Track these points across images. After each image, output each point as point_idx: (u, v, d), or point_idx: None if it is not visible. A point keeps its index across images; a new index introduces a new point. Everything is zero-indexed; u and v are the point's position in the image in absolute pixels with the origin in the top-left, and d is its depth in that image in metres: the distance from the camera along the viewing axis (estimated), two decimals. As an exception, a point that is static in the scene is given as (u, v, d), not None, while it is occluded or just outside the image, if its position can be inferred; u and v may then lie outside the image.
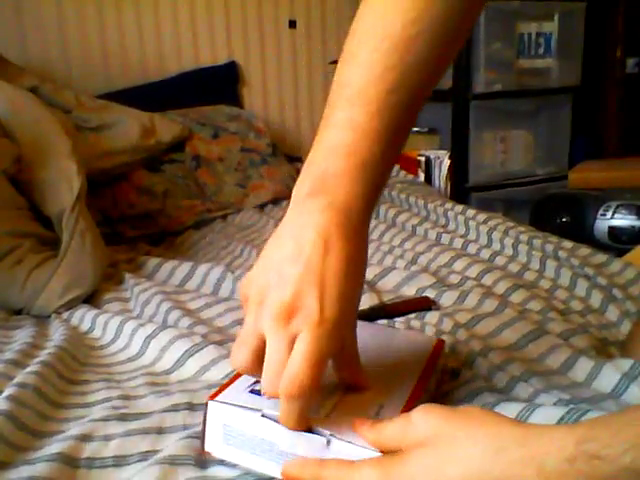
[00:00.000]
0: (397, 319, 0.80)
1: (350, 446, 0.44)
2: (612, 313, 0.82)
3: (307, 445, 0.44)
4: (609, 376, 0.59)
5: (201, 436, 0.49)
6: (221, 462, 0.49)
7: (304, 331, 0.41)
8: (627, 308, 0.82)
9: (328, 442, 0.44)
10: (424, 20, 0.51)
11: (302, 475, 0.43)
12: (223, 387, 0.49)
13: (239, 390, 0.49)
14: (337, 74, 0.57)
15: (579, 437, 0.35)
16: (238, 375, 0.51)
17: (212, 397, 0.48)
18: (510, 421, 0.40)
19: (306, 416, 0.43)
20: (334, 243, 0.44)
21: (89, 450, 0.52)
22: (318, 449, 0.44)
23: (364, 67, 0.54)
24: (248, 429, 0.46)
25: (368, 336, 0.58)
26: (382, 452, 0.43)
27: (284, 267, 0.44)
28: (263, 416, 0.45)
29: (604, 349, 0.71)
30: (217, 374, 0.66)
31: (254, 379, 0.49)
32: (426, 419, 0.41)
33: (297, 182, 0.51)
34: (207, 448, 0.48)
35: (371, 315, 0.81)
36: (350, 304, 0.44)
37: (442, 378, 0.61)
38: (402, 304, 0.85)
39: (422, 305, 0.84)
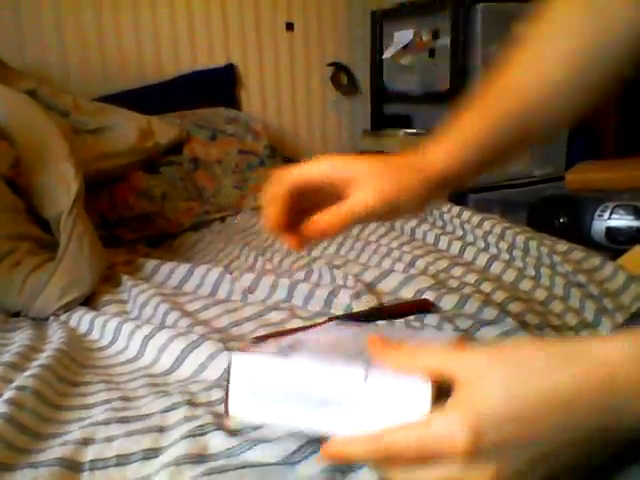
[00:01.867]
0: (396, 320, 0.81)
1: (391, 378, 0.40)
2: (604, 326, 0.83)
3: (342, 383, 0.41)
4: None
5: (224, 400, 0.46)
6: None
7: None
8: (617, 320, 0.83)
9: (365, 376, 0.41)
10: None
11: (355, 452, 0.40)
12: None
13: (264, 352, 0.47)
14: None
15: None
16: None
17: None
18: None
19: None
20: None
21: (92, 453, 0.52)
22: (354, 386, 0.41)
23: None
24: (276, 378, 0.43)
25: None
26: (433, 382, 0.40)
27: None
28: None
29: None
30: (215, 371, 0.66)
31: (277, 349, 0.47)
32: (476, 351, 0.41)
33: None
34: (232, 412, 0.45)
35: (370, 317, 0.81)
36: None
37: None
38: (401, 306, 0.86)
39: (421, 307, 0.84)
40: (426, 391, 0.40)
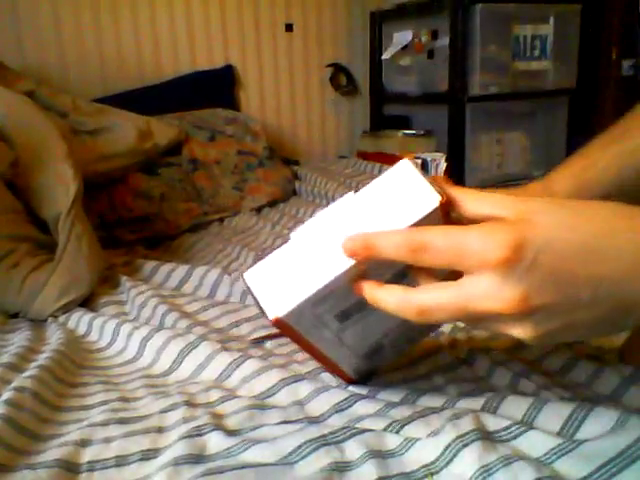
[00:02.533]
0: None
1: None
2: None
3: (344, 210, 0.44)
4: (609, 379, 0.59)
5: (263, 315, 0.46)
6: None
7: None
8: None
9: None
10: None
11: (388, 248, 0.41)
12: None
13: None
14: None
15: None
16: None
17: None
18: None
19: None
20: None
21: (90, 454, 0.52)
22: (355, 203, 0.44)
23: None
24: (289, 263, 0.45)
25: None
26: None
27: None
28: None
29: (601, 357, 0.71)
30: (214, 372, 0.66)
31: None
32: (532, 198, 0.42)
33: None
34: (273, 314, 0.45)
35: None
36: None
37: None
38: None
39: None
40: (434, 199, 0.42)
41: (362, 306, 0.47)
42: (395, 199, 0.43)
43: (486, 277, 0.38)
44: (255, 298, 0.46)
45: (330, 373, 0.62)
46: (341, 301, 0.47)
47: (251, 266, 0.47)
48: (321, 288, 0.44)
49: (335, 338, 0.51)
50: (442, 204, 0.43)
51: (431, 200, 0.43)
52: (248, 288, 0.46)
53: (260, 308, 0.46)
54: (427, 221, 0.42)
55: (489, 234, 0.38)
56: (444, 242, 0.39)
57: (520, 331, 0.40)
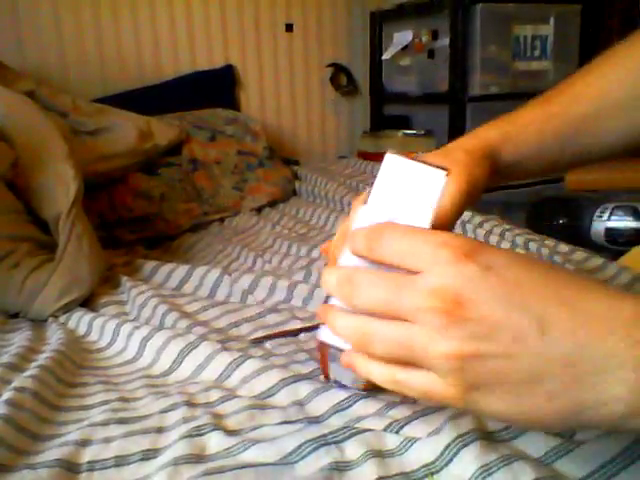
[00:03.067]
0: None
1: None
2: None
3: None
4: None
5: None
6: None
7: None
8: None
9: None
10: None
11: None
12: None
13: None
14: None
15: None
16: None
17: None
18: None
19: None
20: None
21: (90, 454, 0.52)
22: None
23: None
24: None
25: None
26: None
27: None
28: None
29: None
30: (213, 372, 0.66)
31: None
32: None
33: None
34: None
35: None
36: None
37: None
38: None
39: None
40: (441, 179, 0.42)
41: None
42: (404, 192, 0.43)
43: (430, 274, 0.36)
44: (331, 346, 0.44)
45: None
46: None
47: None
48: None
49: None
50: (447, 174, 0.43)
51: (437, 176, 0.42)
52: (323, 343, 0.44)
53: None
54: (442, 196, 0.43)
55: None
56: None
57: (443, 349, 0.35)
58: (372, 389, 0.56)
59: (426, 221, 0.42)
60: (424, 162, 0.43)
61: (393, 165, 0.43)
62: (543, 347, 0.33)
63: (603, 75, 0.61)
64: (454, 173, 0.53)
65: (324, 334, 0.43)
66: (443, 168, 0.43)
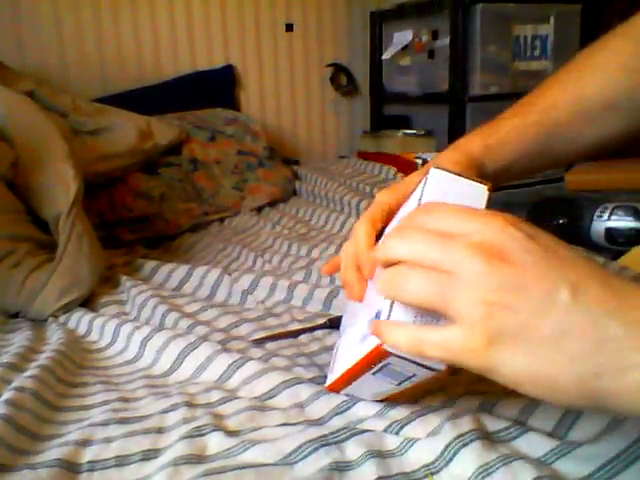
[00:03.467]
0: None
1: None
2: None
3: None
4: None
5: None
6: None
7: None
8: None
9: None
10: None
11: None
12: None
13: None
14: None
15: None
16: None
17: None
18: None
19: None
20: None
21: (90, 454, 0.52)
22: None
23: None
24: None
25: None
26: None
27: None
28: None
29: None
30: (214, 373, 0.66)
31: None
32: None
33: None
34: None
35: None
36: None
37: None
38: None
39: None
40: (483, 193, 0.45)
41: None
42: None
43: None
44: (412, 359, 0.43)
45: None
46: None
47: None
48: None
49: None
50: (490, 189, 0.45)
51: (480, 191, 0.45)
52: (392, 356, 0.44)
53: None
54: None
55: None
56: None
57: (470, 296, 0.37)
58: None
59: None
60: (467, 177, 0.45)
61: (438, 179, 0.46)
62: (573, 307, 0.35)
63: (579, 78, 0.62)
64: None
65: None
66: (484, 183, 0.45)
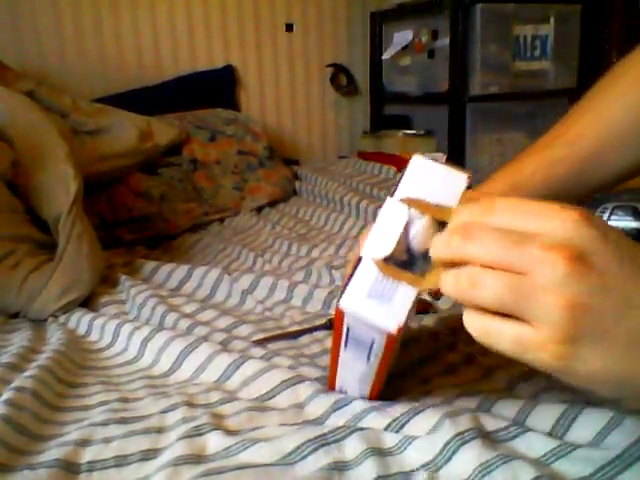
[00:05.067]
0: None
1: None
2: None
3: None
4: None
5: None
6: None
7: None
8: None
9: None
10: None
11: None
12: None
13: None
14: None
15: None
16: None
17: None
18: None
19: None
20: None
21: (90, 454, 0.52)
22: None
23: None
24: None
25: None
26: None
27: None
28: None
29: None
30: (214, 373, 0.66)
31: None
32: None
33: None
34: (394, 327, 0.44)
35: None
36: None
37: None
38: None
39: (419, 308, 0.84)
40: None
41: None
42: (429, 192, 0.45)
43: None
44: (363, 319, 0.44)
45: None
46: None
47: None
48: (413, 299, 0.44)
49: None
50: (469, 178, 0.46)
51: (461, 178, 0.46)
52: (347, 314, 0.45)
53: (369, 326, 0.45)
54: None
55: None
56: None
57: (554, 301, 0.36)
58: (377, 400, 0.56)
59: None
60: (447, 166, 0.46)
61: (419, 167, 0.46)
62: None
63: (604, 105, 0.63)
64: None
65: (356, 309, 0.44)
66: (464, 171, 0.46)
